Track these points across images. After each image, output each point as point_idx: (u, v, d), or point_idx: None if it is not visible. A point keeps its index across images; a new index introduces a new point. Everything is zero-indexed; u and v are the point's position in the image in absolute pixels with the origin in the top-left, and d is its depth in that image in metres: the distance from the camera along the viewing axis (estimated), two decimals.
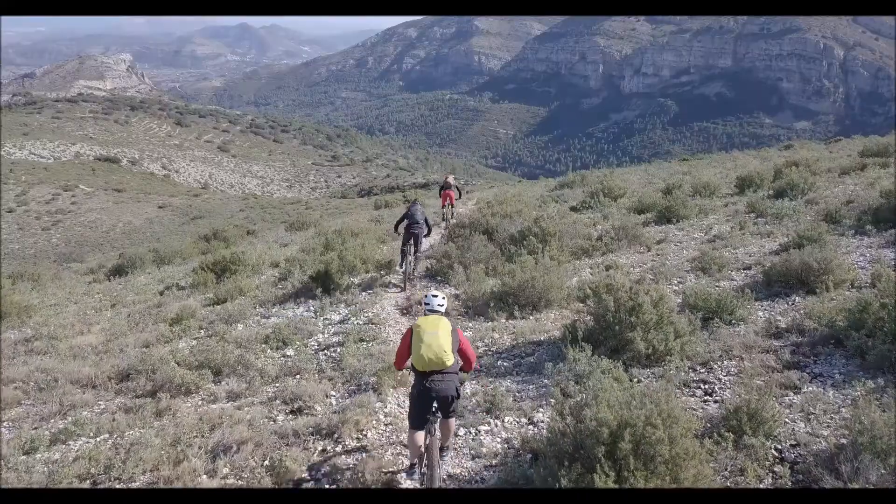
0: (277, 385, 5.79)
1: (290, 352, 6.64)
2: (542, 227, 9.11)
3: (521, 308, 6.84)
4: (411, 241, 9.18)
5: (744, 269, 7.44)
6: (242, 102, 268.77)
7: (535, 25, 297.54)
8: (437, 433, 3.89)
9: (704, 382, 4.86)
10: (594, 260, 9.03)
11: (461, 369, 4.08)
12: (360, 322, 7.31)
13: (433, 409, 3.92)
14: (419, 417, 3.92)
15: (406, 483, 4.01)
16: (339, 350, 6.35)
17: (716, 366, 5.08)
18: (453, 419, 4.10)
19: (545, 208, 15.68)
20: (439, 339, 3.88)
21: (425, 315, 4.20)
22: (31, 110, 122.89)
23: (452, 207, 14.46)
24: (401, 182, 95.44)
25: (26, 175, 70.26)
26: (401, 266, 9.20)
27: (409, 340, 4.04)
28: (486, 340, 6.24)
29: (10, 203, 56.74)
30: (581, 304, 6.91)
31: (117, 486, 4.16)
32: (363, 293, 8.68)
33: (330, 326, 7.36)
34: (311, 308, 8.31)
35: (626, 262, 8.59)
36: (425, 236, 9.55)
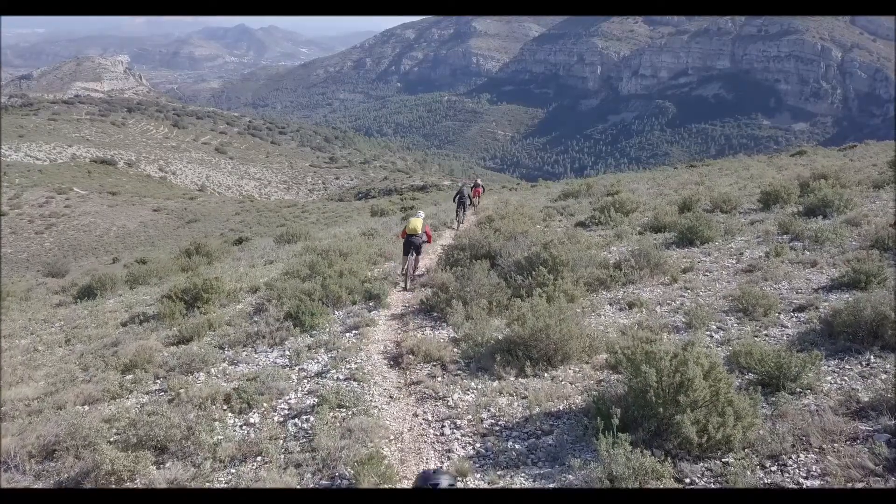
0: (232, 472, 4.64)
1: (254, 418, 5.49)
2: (553, 255, 7.97)
3: (533, 362, 5.70)
4: (462, 207, 16.94)
5: (794, 312, 6.30)
6: (240, 104, 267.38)
7: (533, 27, 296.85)
8: (413, 260, 10.35)
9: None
10: (613, 293, 7.89)
11: (423, 241, 10.57)
12: (341, 377, 6.15)
13: (411, 249, 10.27)
14: (406, 251, 10.34)
15: (399, 276, 10.74)
16: (311, 420, 5.20)
17: (790, 461, 3.95)
18: (419, 255, 10.55)
19: (550, 223, 14.57)
20: (417, 224, 10.46)
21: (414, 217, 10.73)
22: (27, 112, 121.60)
23: (479, 198, 21.12)
24: (399, 185, 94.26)
25: (20, 178, 68.96)
26: (454, 221, 16.98)
27: (405, 227, 10.64)
28: (492, 409, 5.09)
29: (3, 206, 55.54)
30: (606, 357, 5.79)
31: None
32: (348, 334, 7.53)
33: (305, 381, 6.21)
34: (287, 352, 7.15)
35: (650, 298, 7.45)
36: (471, 205, 18.47)
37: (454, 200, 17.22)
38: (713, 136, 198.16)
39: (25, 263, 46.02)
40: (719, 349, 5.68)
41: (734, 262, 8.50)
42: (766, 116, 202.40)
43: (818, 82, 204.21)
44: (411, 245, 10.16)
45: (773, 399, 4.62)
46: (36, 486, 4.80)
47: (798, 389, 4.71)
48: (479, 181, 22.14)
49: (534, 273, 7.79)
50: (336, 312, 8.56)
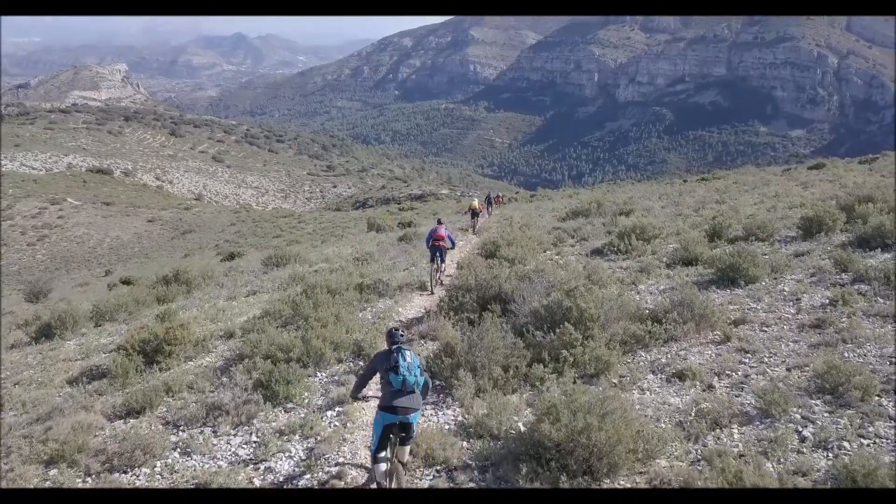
0: None
1: None
2: (580, 308, 6.59)
3: (569, 475, 4.30)
4: (489, 206, 25.35)
5: None
6: (238, 112, 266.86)
7: (530, 35, 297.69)
8: (476, 220, 20.41)
9: None
10: (653, 354, 6.50)
11: (479, 212, 21.00)
12: (322, 475, 4.73)
13: (474, 216, 20.24)
14: (472, 217, 20.30)
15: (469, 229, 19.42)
16: None
17: None
18: (480, 218, 20.90)
19: (562, 249, 13.21)
20: (475, 203, 20.93)
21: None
22: (23, 121, 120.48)
23: (498, 205, 27.66)
24: (396, 194, 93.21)
25: (13, 188, 67.54)
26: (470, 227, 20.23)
27: (469, 205, 21.15)
28: None
29: None
30: (665, 465, 4.39)
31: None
32: (329, 412, 6.10)
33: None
34: (253, 437, 5.74)
35: (701, 364, 6.07)
36: (493, 206, 26.76)
37: (485, 201, 25.76)
38: (710, 143, 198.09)
39: (16, 276, 44.62)
40: (817, 456, 4.30)
41: (793, 311, 7.12)
42: (762, 123, 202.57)
43: (814, 89, 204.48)
44: (474, 214, 19.79)
45: None
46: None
47: None
48: (498, 193, 31.40)
49: (558, 330, 6.40)
50: (318, 374, 7.15)
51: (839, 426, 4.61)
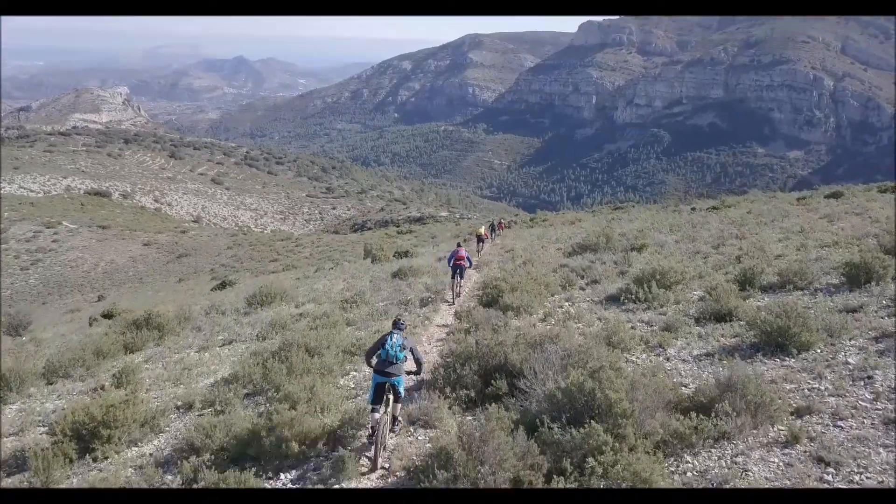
0: None
1: None
2: (610, 399, 5.23)
3: None
4: (493, 232, 27.80)
5: None
6: (238, 134, 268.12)
7: (528, 57, 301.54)
8: (481, 245, 22.61)
9: None
10: (702, 461, 5.12)
11: (485, 238, 23.46)
12: None
13: (479, 242, 22.68)
14: (478, 242, 22.71)
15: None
16: None
17: None
18: (484, 244, 23.16)
19: (572, 293, 11.88)
20: (481, 230, 23.92)
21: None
22: (23, 144, 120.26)
23: (502, 230, 29.80)
24: (395, 216, 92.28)
25: (9, 211, 66.44)
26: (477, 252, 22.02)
27: (476, 232, 23.87)
28: None
29: None
30: None
31: None
32: None
33: None
34: None
35: (769, 482, 4.68)
36: (497, 234, 28.85)
37: (489, 227, 27.45)
38: (709, 165, 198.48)
39: (7, 301, 43.20)
40: None
41: (870, 396, 5.76)
42: (760, 145, 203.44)
43: (811, 111, 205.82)
44: (480, 240, 22.34)
45: None
46: None
47: None
48: (501, 219, 33.68)
49: (582, 430, 5.04)
50: (282, 476, 5.75)
51: None
